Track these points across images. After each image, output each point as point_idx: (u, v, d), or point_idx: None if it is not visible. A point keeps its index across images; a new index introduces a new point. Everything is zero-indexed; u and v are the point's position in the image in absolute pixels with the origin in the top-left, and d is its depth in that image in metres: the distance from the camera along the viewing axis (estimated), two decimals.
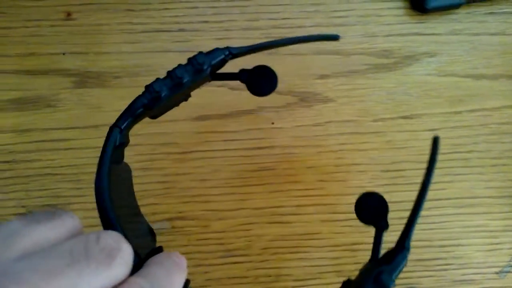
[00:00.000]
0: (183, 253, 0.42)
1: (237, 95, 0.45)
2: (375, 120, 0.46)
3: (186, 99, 0.35)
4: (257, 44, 0.33)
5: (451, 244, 0.43)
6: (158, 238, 0.42)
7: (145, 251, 0.28)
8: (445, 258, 0.43)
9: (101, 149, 0.43)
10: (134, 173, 0.43)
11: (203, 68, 0.31)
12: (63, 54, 0.45)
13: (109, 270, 0.19)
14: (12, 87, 0.44)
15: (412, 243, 0.42)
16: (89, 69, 0.45)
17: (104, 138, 0.43)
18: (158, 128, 0.44)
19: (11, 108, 0.44)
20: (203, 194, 0.43)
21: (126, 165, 0.34)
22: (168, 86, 0.31)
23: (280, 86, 0.33)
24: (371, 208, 0.33)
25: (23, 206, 0.42)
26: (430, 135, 0.46)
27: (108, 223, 0.26)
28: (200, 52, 0.32)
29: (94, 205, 0.42)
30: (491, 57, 0.48)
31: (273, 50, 0.46)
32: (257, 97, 0.34)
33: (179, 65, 0.32)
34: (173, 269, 0.24)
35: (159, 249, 0.30)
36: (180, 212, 0.43)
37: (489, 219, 0.44)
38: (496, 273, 0.43)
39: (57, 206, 0.42)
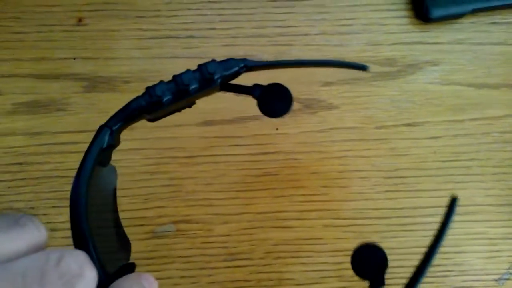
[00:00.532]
0: (187, 256, 0.43)
1: (242, 101, 0.46)
2: (378, 127, 0.47)
3: (190, 106, 0.32)
4: (276, 61, 0.32)
5: (452, 251, 0.44)
6: (163, 241, 0.43)
7: (118, 264, 0.26)
8: (445, 265, 0.44)
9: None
10: (141, 177, 0.44)
11: (213, 78, 0.29)
12: (74, 59, 0.46)
13: None
14: (25, 91, 0.45)
15: (412, 249, 0.44)
16: (99, 73, 0.46)
17: None
18: (165, 133, 0.45)
19: (23, 111, 0.45)
20: (208, 198, 0.44)
21: (112, 167, 0.32)
22: (171, 91, 0.28)
23: None
24: (370, 262, 0.30)
25: (31, 208, 0.43)
26: (432, 143, 0.47)
27: (78, 236, 0.23)
28: (213, 60, 0.29)
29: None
30: (493, 67, 0.48)
31: (278, 57, 0.47)
32: None
33: (187, 71, 0.29)
34: None
35: (131, 267, 0.28)
36: (185, 216, 0.44)
37: (489, 227, 0.45)
38: (495, 280, 0.43)
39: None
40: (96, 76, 0.46)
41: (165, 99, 0.28)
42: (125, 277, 0.22)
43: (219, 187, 0.45)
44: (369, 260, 0.29)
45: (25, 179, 0.44)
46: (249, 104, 0.47)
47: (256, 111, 0.46)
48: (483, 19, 0.49)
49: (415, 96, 0.47)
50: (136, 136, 0.45)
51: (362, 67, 0.32)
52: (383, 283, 0.29)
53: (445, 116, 0.47)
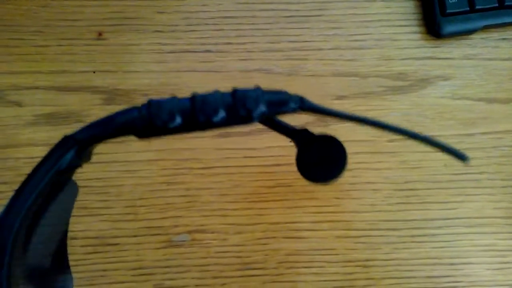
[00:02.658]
0: (202, 265, 0.44)
1: None
2: (390, 141, 0.47)
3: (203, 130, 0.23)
4: (345, 113, 0.22)
5: (461, 262, 0.45)
6: (179, 250, 0.44)
7: None
8: (454, 276, 0.45)
9: (125, 162, 0.45)
10: (158, 187, 0.45)
11: (251, 116, 0.20)
12: (94, 72, 0.47)
13: None
14: (45, 103, 0.47)
15: (423, 261, 0.44)
16: (118, 87, 0.47)
17: (128, 152, 0.46)
18: (181, 144, 0.46)
19: (44, 122, 0.46)
20: (223, 209, 0.45)
21: (72, 185, 0.24)
22: (183, 115, 0.20)
23: None
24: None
25: None
26: (443, 156, 0.48)
27: None
28: (257, 88, 0.21)
29: (121, 217, 0.44)
30: (503, 82, 0.49)
31: (293, 71, 0.48)
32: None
33: (215, 92, 0.20)
34: None
35: None
36: (200, 225, 0.45)
37: (498, 239, 0.45)
38: None
39: None
40: (115, 89, 0.47)
41: (172, 125, 0.20)
42: None
43: (234, 197, 0.46)
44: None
45: None
46: None
47: None
48: (493, 35, 0.50)
49: (426, 110, 0.48)
50: (153, 147, 0.46)
51: (461, 156, 0.24)
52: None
53: (456, 130, 0.48)
